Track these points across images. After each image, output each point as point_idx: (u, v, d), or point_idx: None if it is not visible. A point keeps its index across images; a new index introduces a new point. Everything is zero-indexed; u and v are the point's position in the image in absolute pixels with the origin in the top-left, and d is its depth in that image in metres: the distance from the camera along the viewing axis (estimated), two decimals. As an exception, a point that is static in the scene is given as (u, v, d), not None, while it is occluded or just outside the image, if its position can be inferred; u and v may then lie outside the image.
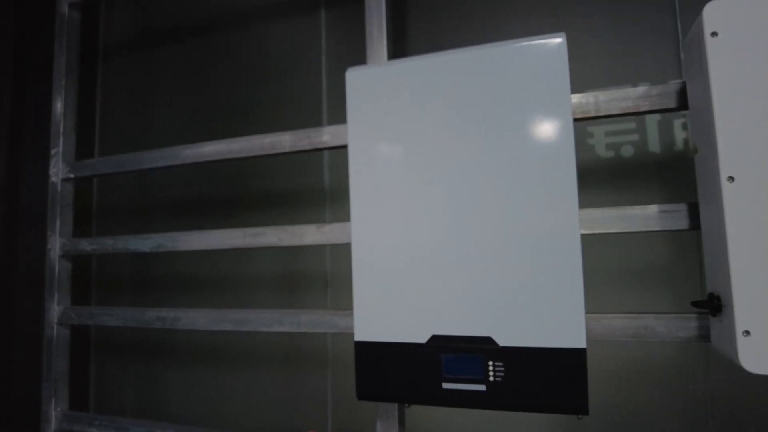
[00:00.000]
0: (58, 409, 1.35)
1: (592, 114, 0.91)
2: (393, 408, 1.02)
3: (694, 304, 0.76)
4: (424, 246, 0.87)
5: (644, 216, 0.88)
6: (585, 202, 1.11)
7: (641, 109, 0.88)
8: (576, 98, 0.90)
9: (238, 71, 1.58)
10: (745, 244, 0.67)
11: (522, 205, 0.81)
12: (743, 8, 0.70)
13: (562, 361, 0.79)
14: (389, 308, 0.89)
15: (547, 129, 0.81)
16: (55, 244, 1.38)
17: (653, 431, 1.08)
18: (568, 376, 0.79)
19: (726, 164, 0.69)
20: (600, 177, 1.16)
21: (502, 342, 0.82)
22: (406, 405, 1.00)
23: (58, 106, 1.44)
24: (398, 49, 1.35)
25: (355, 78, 0.94)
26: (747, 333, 0.67)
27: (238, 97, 1.57)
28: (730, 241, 0.68)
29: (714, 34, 0.71)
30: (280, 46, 1.53)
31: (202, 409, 1.53)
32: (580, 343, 0.78)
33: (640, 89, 0.89)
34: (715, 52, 0.71)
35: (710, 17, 0.71)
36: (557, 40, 0.82)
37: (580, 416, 0.80)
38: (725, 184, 0.69)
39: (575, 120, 0.89)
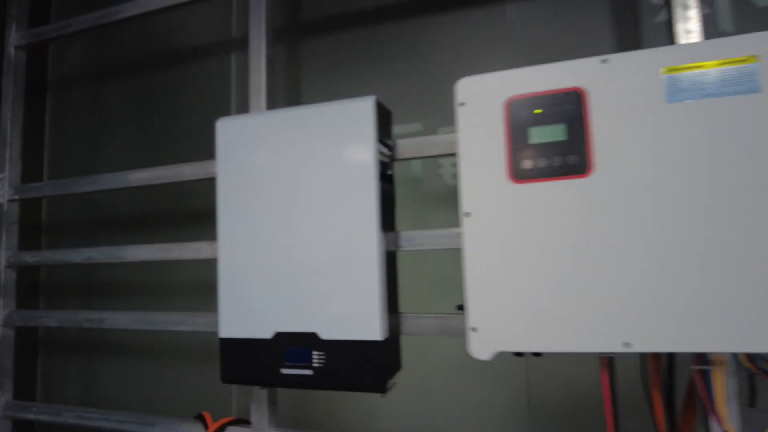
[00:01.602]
0: (2, 399, 1.58)
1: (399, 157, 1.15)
2: (264, 392, 1.25)
3: (458, 307, 0.99)
4: (271, 262, 1.10)
5: (450, 235, 1.11)
6: (433, 221, 1.35)
7: (438, 153, 1.12)
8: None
9: (178, 103, 1.81)
10: (476, 263, 0.91)
11: (335, 230, 1.04)
12: (480, 86, 0.93)
13: (366, 350, 1.02)
14: (244, 311, 1.12)
15: (356, 166, 1.04)
16: (1, 257, 1.61)
17: (479, 419, 1.31)
18: (371, 362, 1.02)
19: (465, 203, 0.92)
20: (447, 201, 1.39)
21: (323, 336, 1.05)
22: (259, 387, 1.23)
23: (6, 136, 1.66)
24: (294, 98, 1.59)
25: (221, 126, 1.17)
26: (474, 329, 0.90)
27: (176, 126, 1.80)
28: (466, 261, 0.91)
29: (462, 104, 0.94)
30: (214, 79, 1.76)
31: (135, 397, 1.76)
32: (378, 336, 1.01)
33: (432, 138, 1.13)
34: (463, 118, 0.94)
35: (460, 90, 0.94)
36: (368, 102, 1.05)
37: (381, 395, 1.04)
38: (464, 218, 0.92)
39: (397, 160, 1.14)
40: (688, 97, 0.82)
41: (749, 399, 0.95)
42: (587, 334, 0.84)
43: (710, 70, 0.82)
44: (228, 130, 1.17)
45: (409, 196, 1.45)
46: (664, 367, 0.97)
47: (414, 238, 1.16)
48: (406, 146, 1.17)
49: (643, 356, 0.96)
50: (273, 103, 1.33)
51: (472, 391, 1.33)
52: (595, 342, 0.84)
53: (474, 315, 0.90)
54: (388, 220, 1.12)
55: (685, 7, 1.03)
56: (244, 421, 1.30)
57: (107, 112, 1.92)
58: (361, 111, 1.05)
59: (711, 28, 1.23)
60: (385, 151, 1.11)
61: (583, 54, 0.89)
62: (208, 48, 1.78)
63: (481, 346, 0.89)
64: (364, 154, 1.04)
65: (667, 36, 1.03)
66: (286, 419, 1.39)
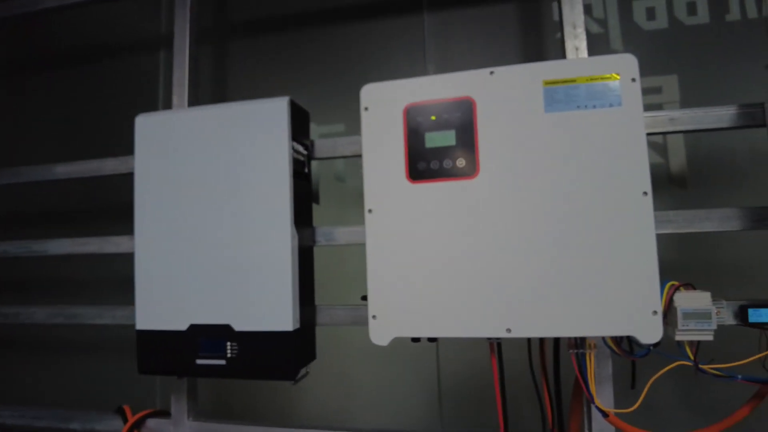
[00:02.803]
0: None
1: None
2: (184, 384, 1.28)
3: (363, 297, 1.05)
4: (186, 255, 1.13)
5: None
6: (355, 219, 1.41)
7: (353, 153, 1.19)
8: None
9: (105, 98, 1.79)
10: (376, 256, 0.98)
11: (249, 225, 1.09)
12: (382, 92, 1.00)
13: (277, 341, 1.07)
14: (160, 303, 1.14)
15: (270, 164, 1.09)
16: None
17: (392, 403, 1.39)
18: (282, 352, 1.07)
19: (368, 200, 0.99)
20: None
21: (237, 328, 1.09)
22: (177, 377, 1.25)
23: None
24: (220, 97, 1.61)
25: (140, 122, 1.19)
26: (374, 317, 0.97)
27: (103, 121, 1.78)
28: (368, 254, 0.98)
29: (366, 108, 1.01)
30: (143, 75, 1.75)
31: (60, 392, 1.73)
32: (289, 327, 1.07)
33: (350, 138, 1.19)
34: (366, 121, 1.00)
35: (364, 96, 1.01)
36: (283, 102, 1.10)
37: (293, 383, 1.09)
38: (367, 215, 0.99)
39: (315, 159, 1.20)
40: (563, 108, 0.92)
41: (631, 382, 1.06)
42: (475, 321, 0.93)
43: (581, 84, 0.92)
44: (147, 126, 1.19)
45: (332, 195, 1.51)
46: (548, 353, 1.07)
47: (330, 234, 1.22)
48: (323, 146, 1.23)
49: (530, 343, 1.06)
50: (197, 101, 1.36)
51: (385, 377, 1.40)
52: (481, 328, 0.93)
53: (374, 304, 0.97)
54: (304, 216, 1.17)
55: (574, 26, 1.14)
56: (164, 413, 1.32)
57: (29, 106, 1.87)
58: (276, 111, 1.10)
59: (604, 47, 1.36)
60: (302, 149, 1.16)
61: (494, 65, 0.97)
62: (137, 44, 1.77)
63: (380, 332, 0.97)
64: (278, 152, 1.09)
65: (561, 51, 1.13)
66: (208, 409, 1.42)
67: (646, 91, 1.31)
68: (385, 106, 1.00)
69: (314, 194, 1.50)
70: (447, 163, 0.96)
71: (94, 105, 1.79)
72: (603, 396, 1.05)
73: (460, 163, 0.95)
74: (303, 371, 1.13)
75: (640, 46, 1.34)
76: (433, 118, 0.97)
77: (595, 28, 1.37)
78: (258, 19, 1.65)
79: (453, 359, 1.36)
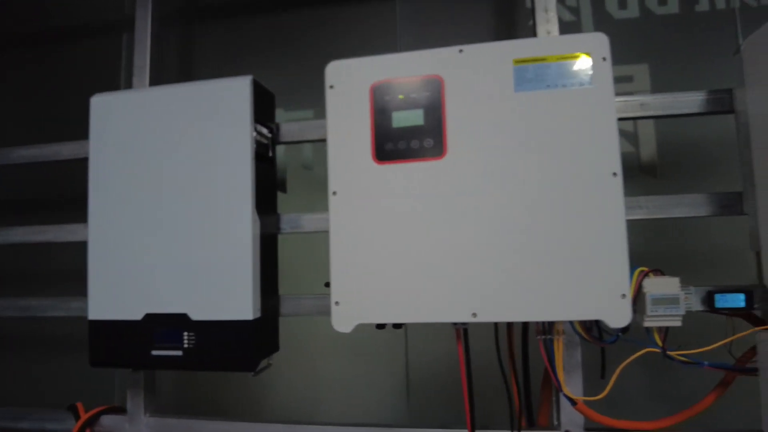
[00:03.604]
0: None
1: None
2: (140, 378, 1.22)
3: (326, 284, 1.01)
4: (142, 242, 1.07)
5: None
6: (323, 206, 1.37)
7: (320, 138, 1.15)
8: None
9: (65, 80, 1.71)
10: (340, 240, 0.94)
11: (208, 210, 1.04)
12: (348, 70, 0.96)
13: (236, 330, 1.02)
14: (114, 292, 1.08)
15: (231, 146, 1.04)
16: None
17: (366, 395, 1.35)
18: (241, 342, 1.02)
19: (332, 182, 0.95)
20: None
21: (194, 317, 1.04)
22: (132, 370, 1.19)
23: None
24: (184, 78, 1.55)
25: (96, 103, 1.13)
26: (337, 303, 0.93)
27: (63, 103, 1.70)
28: (331, 238, 0.94)
29: (331, 86, 0.97)
30: (106, 58, 1.67)
31: (20, 390, 1.64)
32: (249, 316, 1.02)
33: (317, 122, 1.15)
34: (332, 100, 0.96)
35: (329, 73, 0.97)
36: (245, 81, 1.06)
37: (253, 374, 1.04)
38: (331, 197, 0.95)
39: (280, 143, 1.15)
40: (533, 87, 0.90)
41: (601, 371, 1.05)
42: (440, 306, 0.90)
43: (551, 63, 0.90)
44: (102, 107, 1.13)
45: (300, 184, 1.46)
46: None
47: (296, 221, 1.18)
48: (289, 130, 1.19)
49: (497, 330, 1.03)
50: (160, 83, 1.30)
51: (354, 370, 1.36)
52: (447, 313, 0.90)
53: (337, 290, 0.93)
54: (268, 202, 1.13)
55: (546, 10, 1.12)
56: (120, 409, 1.25)
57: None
58: (238, 90, 1.06)
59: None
60: (266, 132, 1.12)
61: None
62: (100, 26, 1.70)
63: (343, 318, 0.93)
64: (240, 133, 1.05)
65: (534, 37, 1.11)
66: (170, 403, 1.36)
67: (617, 80, 1.30)
68: (352, 84, 0.96)
69: (281, 183, 1.45)
70: (414, 144, 0.92)
71: (55, 88, 1.71)
72: (572, 384, 1.03)
73: (428, 143, 0.92)
74: (264, 362, 1.08)
75: (612, 35, 1.32)
76: (401, 97, 0.94)
77: (568, 16, 1.36)
78: (227, 2, 1.60)
79: (422, 351, 1.32)
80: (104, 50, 1.67)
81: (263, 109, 1.11)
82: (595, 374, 1.01)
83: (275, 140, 1.17)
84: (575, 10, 1.36)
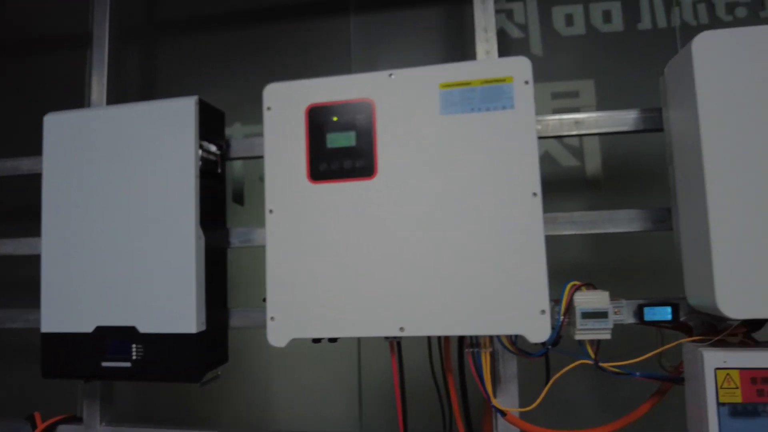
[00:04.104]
0: None
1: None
2: (97, 388, 1.25)
3: (264, 299, 1.04)
4: (93, 256, 1.11)
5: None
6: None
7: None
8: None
9: (28, 96, 1.74)
10: (276, 256, 0.97)
11: (155, 225, 1.07)
12: (284, 92, 1.00)
13: (181, 343, 1.06)
14: (66, 305, 1.12)
15: (176, 164, 1.07)
16: None
17: (318, 404, 1.39)
18: (186, 355, 1.06)
19: (269, 200, 0.98)
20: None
21: (142, 330, 1.07)
22: (84, 381, 1.22)
23: None
24: (146, 94, 1.59)
25: (49, 121, 1.16)
26: (273, 318, 0.96)
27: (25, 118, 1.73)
28: (268, 255, 0.97)
29: (269, 108, 1.00)
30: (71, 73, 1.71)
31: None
32: (192, 329, 1.05)
33: None
34: (269, 121, 1.00)
35: (267, 96, 1.01)
36: (190, 101, 1.09)
37: (199, 385, 1.08)
38: (268, 215, 0.98)
39: (230, 159, 1.18)
40: (458, 110, 0.93)
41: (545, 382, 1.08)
42: (370, 321, 0.93)
43: (476, 87, 0.93)
44: (55, 125, 1.17)
45: (258, 196, 1.50)
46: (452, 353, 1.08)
47: (246, 235, 1.21)
48: (239, 146, 1.22)
49: (429, 343, 1.06)
50: (125, 100, 1.33)
51: (306, 379, 1.40)
52: (377, 327, 0.93)
53: (273, 305, 0.97)
54: (215, 217, 1.16)
55: (485, 30, 1.16)
56: (76, 419, 1.28)
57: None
58: (182, 110, 1.09)
59: (525, 52, 1.38)
60: (214, 149, 1.15)
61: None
62: (65, 40, 1.73)
63: (278, 333, 0.96)
64: (184, 151, 1.08)
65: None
66: (128, 413, 1.39)
67: (563, 95, 1.35)
68: (288, 106, 0.99)
69: (239, 196, 1.49)
70: (347, 164, 0.96)
71: (18, 103, 1.75)
72: (508, 395, 1.07)
73: (360, 164, 0.95)
74: (212, 374, 1.12)
75: (559, 51, 1.37)
76: (335, 119, 0.97)
77: (516, 33, 1.40)
78: (188, 18, 1.63)
79: (374, 360, 1.36)
80: (72, 63, 1.71)
81: (211, 126, 1.14)
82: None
83: (225, 156, 1.20)
84: (523, 27, 1.40)
